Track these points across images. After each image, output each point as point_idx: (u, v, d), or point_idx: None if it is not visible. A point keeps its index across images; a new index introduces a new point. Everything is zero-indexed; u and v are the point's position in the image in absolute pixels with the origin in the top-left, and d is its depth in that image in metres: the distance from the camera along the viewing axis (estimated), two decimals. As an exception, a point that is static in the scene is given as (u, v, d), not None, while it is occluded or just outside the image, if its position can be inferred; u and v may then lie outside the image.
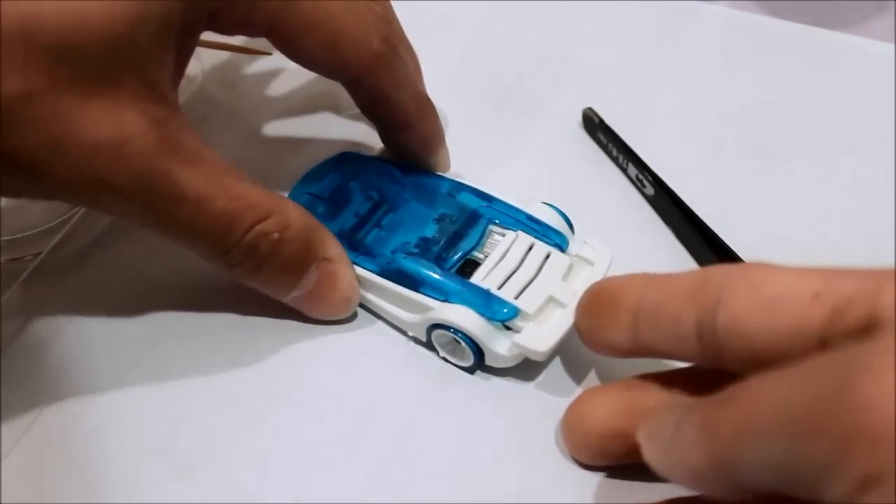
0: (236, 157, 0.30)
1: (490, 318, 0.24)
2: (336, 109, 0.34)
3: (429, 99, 0.29)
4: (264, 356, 0.27)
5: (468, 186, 0.28)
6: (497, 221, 0.27)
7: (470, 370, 0.26)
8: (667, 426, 0.19)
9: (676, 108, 0.34)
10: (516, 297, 0.25)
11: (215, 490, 0.24)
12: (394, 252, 0.26)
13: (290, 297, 0.26)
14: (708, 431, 0.18)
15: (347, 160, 0.30)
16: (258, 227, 0.24)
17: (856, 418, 0.14)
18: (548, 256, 0.26)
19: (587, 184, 0.32)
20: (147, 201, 0.22)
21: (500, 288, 0.25)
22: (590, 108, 0.33)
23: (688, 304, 0.20)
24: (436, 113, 0.29)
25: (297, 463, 0.24)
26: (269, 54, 0.35)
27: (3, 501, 0.23)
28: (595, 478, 0.24)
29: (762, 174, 0.32)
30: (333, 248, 0.26)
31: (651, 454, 0.20)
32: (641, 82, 0.35)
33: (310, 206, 0.27)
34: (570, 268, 0.26)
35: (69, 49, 0.19)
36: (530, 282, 0.25)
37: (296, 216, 0.25)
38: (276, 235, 0.24)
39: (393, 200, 0.28)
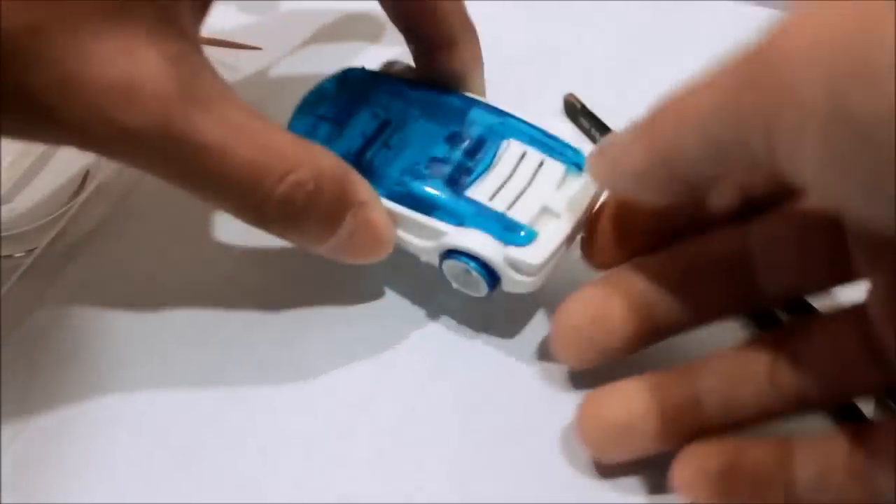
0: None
1: (507, 244, 0.23)
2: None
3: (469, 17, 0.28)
4: (261, 349, 0.27)
5: (480, 102, 0.27)
6: (511, 138, 0.25)
7: (488, 295, 0.25)
8: (615, 140, 0.21)
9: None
10: (508, 209, 0.24)
11: (214, 483, 0.24)
12: (402, 173, 0.25)
13: (325, 248, 0.24)
14: (650, 130, 0.20)
15: (351, 77, 0.28)
16: (291, 178, 0.22)
17: (778, 67, 0.16)
18: (541, 164, 0.25)
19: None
20: (165, 150, 0.20)
21: (490, 200, 0.24)
22: (571, 94, 0.33)
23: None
24: (476, 32, 0.28)
25: (296, 455, 0.25)
26: (260, 49, 0.35)
27: (3, 489, 0.24)
28: (593, 469, 0.24)
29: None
30: (366, 190, 0.24)
31: (598, 169, 0.22)
32: (625, 72, 0.36)
33: (313, 128, 0.26)
34: (565, 176, 0.25)
35: None
36: (523, 191, 0.24)
37: (328, 163, 0.23)
38: (310, 185, 0.22)
39: (401, 119, 0.26)
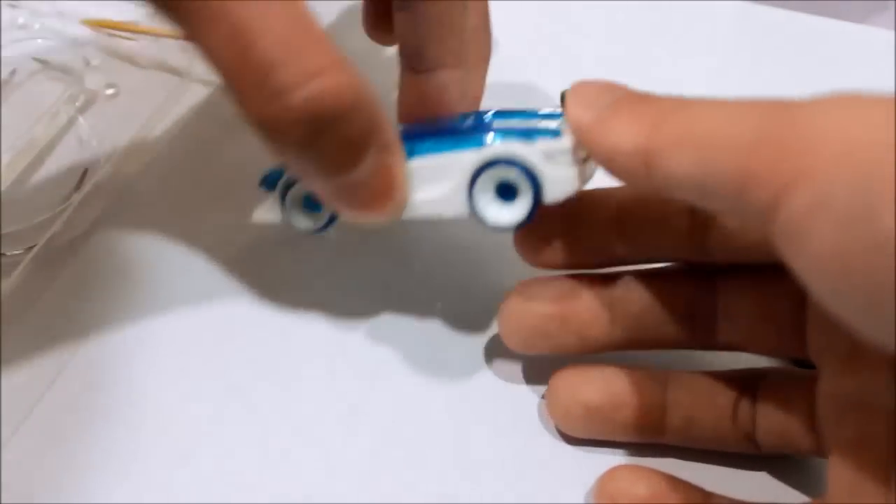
0: (227, 151, 0.31)
1: (536, 139, 0.22)
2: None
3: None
4: (261, 342, 0.27)
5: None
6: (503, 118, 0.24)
7: (527, 219, 0.23)
8: (602, 99, 0.20)
9: (660, 91, 0.34)
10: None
11: (214, 476, 0.24)
12: (406, 139, 0.23)
13: (338, 185, 0.21)
14: (644, 121, 0.18)
15: None
16: (326, 78, 0.19)
17: (810, 142, 0.15)
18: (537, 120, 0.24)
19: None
20: (177, 11, 0.18)
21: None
22: (567, 90, 0.33)
23: None
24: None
25: (295, 448, 0.25)
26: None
27: (2, 488, 0.24)
28: (589, 455, 0.24)
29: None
30: (392, 135, 0.22)
31: (578, 118, 0.20)
32: (624, 69, 0.36)
33: None
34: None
35: None
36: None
37: (362, 81, 0.20)
38: (345, 94, 0.19)
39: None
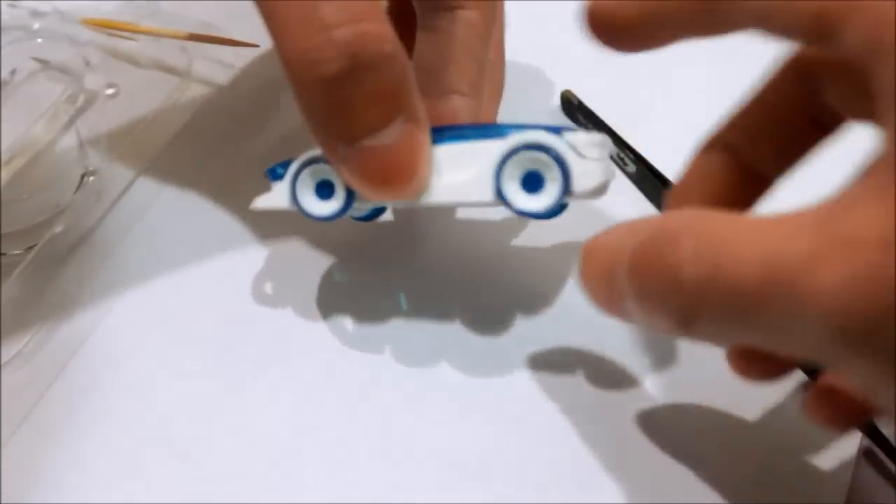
0: (225, 150, 0.31)
1: (561, 133, 0.22)
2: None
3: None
4: (261, 341, 0.27)
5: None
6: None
7: (554, 208, 0.23)
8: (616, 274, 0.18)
9: (660, 91, 0.35)
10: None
11: (213, 474, 0.24)
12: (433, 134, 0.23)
13: (361, 150, 0.21)
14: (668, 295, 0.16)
15: None
16: (363, 25, 0.19)
17: None
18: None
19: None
20: None
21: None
22: (568, 90, 0.33)
23: None
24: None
25: (294, 447, 0.25)
26: (257, 46, 0.35)
27: (1, 487, 0.24)
28: (593, 458, 0.24)
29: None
30: (421, 110, 0.22)
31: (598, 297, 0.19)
32: (623, 69, 0.36)
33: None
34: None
35: None
36: None
37: (400, 45, 0.20)
38: (382, 47, 0.20)
39: None
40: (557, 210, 0.23)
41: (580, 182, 0.22)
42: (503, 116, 0.34)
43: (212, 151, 0.33)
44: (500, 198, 0.23)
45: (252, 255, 0.29)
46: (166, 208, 0.31)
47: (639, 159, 0.31)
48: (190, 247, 0.30)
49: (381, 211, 0.28)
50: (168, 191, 0.32)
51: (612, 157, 0.32)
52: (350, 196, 0.24)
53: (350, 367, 0.26)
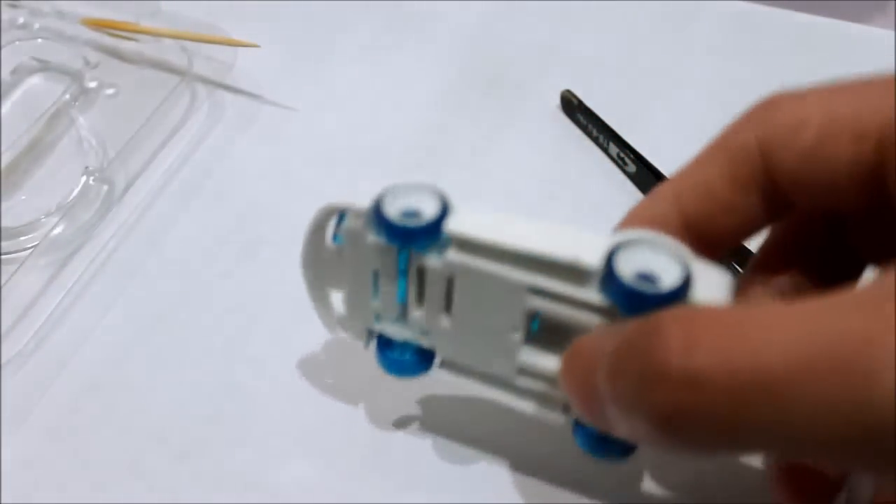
0: (227, 151, 0.31)
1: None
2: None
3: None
4: (260, 344, 0.27)
5: None
6: None
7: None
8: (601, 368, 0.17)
9: (660, 91, 0.35)
10: None
11: (212, 475, 0.24)
12: None
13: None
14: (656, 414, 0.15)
15: None
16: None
17: None
18: None
19: (569, 164, 0.32)
20: None
21: None
22: (568, 91, 0.33)
23: None
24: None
25: (293, 447, 0.25)
26: (257, 46, 0.35)
27: (3, 487, 0.24)
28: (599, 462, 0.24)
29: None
30: None
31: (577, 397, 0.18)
32: (622, 68, 0.36)
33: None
34: None
35: None
36: None
37: None
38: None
39: None
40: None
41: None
42: (503, 116, 0.34)
43: (212, 151, 0.33)
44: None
45: (252, 255, 0.29)
46: (167, 207, 0.31)
47: (639, 159, 0.31)
48: (191, 247, 0.30)
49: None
50: (168, 190, 0.32)
51: (612, 157, 0.32)
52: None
53: (350, 366, 0.26)
